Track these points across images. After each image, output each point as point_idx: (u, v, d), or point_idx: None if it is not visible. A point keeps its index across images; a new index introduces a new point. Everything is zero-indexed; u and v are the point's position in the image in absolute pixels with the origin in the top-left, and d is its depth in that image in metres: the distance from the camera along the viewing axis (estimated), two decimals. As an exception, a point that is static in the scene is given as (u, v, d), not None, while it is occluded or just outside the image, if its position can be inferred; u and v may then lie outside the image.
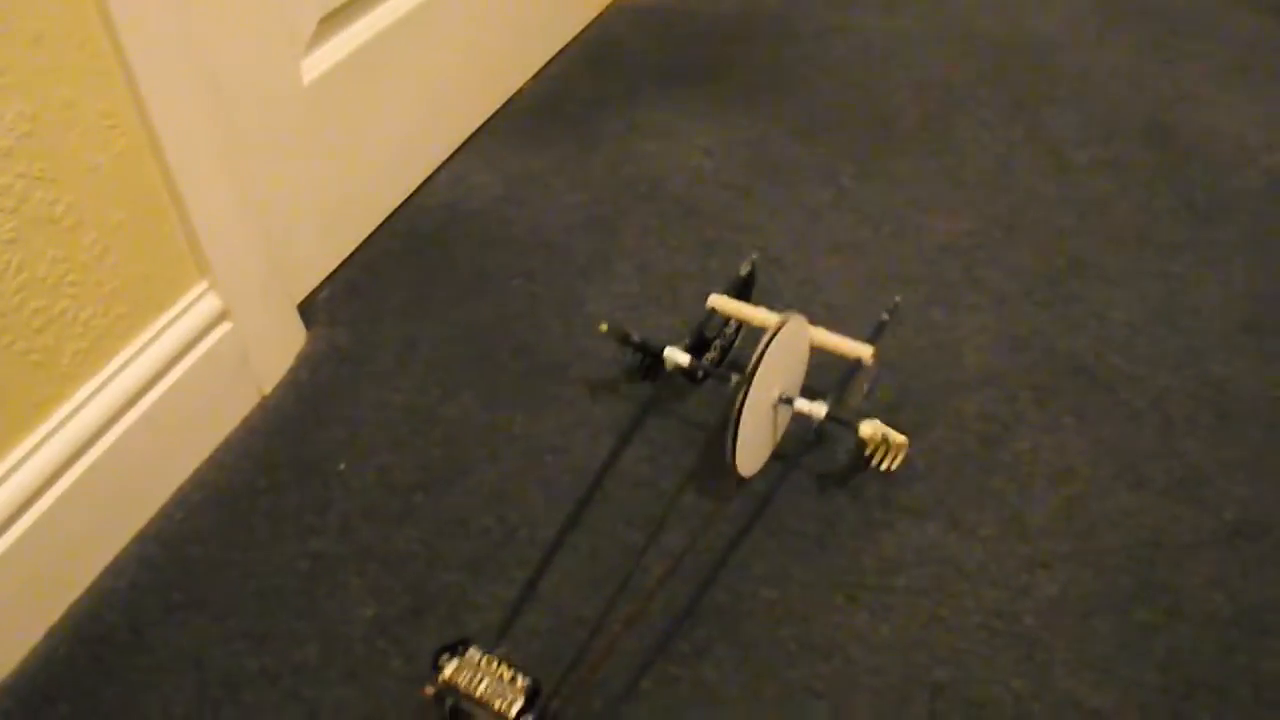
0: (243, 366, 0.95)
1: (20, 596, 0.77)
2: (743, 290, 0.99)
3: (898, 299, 1.00)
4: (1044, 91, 1.40)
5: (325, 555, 0.84)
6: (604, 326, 0.94)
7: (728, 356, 0.99)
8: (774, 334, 0.80)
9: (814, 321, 0.88)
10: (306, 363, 1.01)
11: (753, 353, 0.79)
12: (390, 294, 1.09)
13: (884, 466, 0.87)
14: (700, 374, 0.95)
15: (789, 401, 0.86)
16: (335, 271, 1.12)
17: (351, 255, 1.15)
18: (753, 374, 0.78)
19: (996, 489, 0.87)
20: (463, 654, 0.69)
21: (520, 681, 0.68)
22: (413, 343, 1.03)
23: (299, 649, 0.77)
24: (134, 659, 0.77)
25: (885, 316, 0.95)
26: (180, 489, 0.89)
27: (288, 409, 0.97)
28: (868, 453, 0.87)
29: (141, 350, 0.85)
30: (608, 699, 0.73)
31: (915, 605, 0.79)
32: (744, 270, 0.99)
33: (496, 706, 0.66)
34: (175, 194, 0.84)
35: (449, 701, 0.68)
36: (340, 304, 1.08)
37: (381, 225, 1.19)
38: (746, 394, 0.78)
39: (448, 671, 0.68)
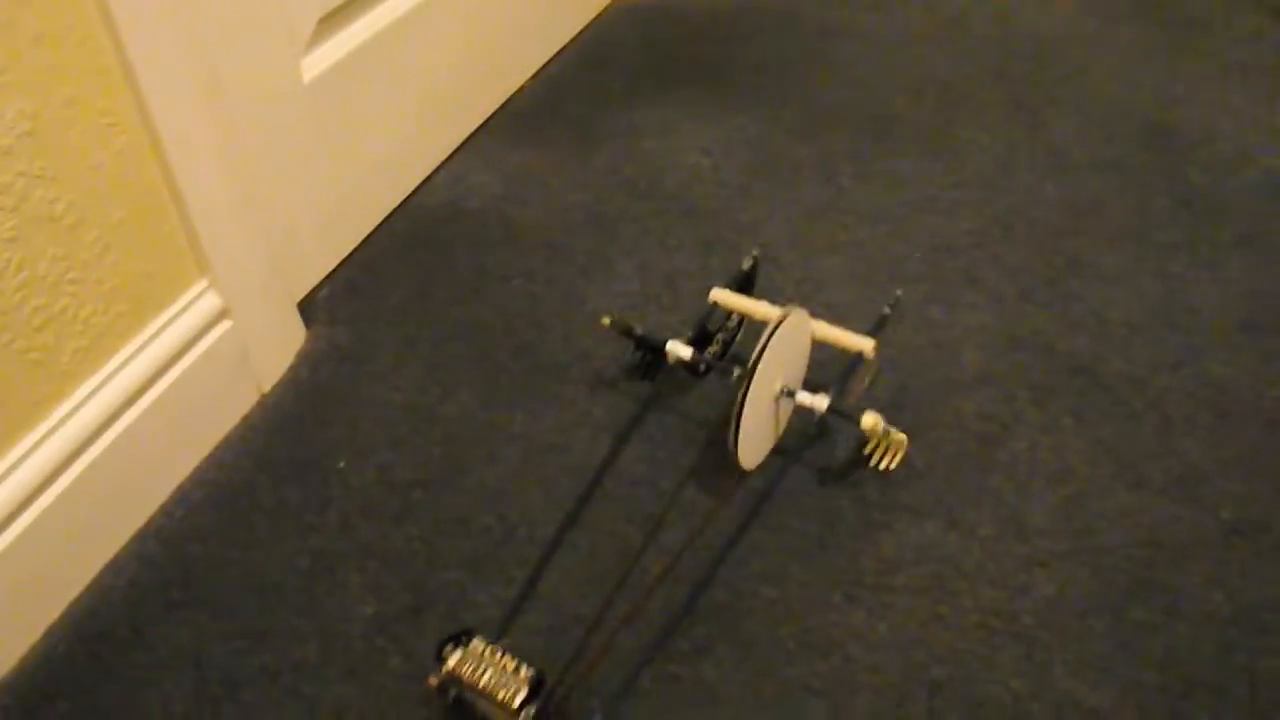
0: (243, 365, 0.95)
1: (20, 594, 0.77)
2: (745, 285, 0.99)
3: (899, 293, 1.00)
4: (1044, 91, 1.40)
5: (325, 553, 0.84)
6: (607, 320, 0.94)
7: (730, 350, 0.99)
8: (777, 326, 0.80)
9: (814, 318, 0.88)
10: (306, 361, 1.02)
11: (754, 347, 0.79)
12: (390, 293, 1.09)
13: (883, 465, 0.87)
14: (703, 367, 0.96)
15: (791, 394, 0.86)
16: (335, 270, 1.13)
17: (351, 254, 1.15)
18: (756, 365, 0.79)
19: (995, 488, 0.87)
20: (466, 645, 0.69)
21: (524, 672, 0.67)
22: (412, 342, 1.03)
23: (299, 647, 0.77)
24: (133, 656, 0.77)
25: (887, 311, 0.95)
26: (180, 487, 0.90)
27: (288, 407, 0.97)
28: (868, 450, 0.87)
29: (141, 348, 0.85)
30: (607, 697, 0.73)
31: (914, 604, 0.79)
32: (746, 265, 0.99)
33: (500, 697, 0.66)
34: (175, 192, 0.84)
35: (452, 692, 0.68)
36: (340, 303, 1.09)
37: (381, 224, 1.19)
38: (749, 385, 0.78)
39: (451, 662, 0.68)
